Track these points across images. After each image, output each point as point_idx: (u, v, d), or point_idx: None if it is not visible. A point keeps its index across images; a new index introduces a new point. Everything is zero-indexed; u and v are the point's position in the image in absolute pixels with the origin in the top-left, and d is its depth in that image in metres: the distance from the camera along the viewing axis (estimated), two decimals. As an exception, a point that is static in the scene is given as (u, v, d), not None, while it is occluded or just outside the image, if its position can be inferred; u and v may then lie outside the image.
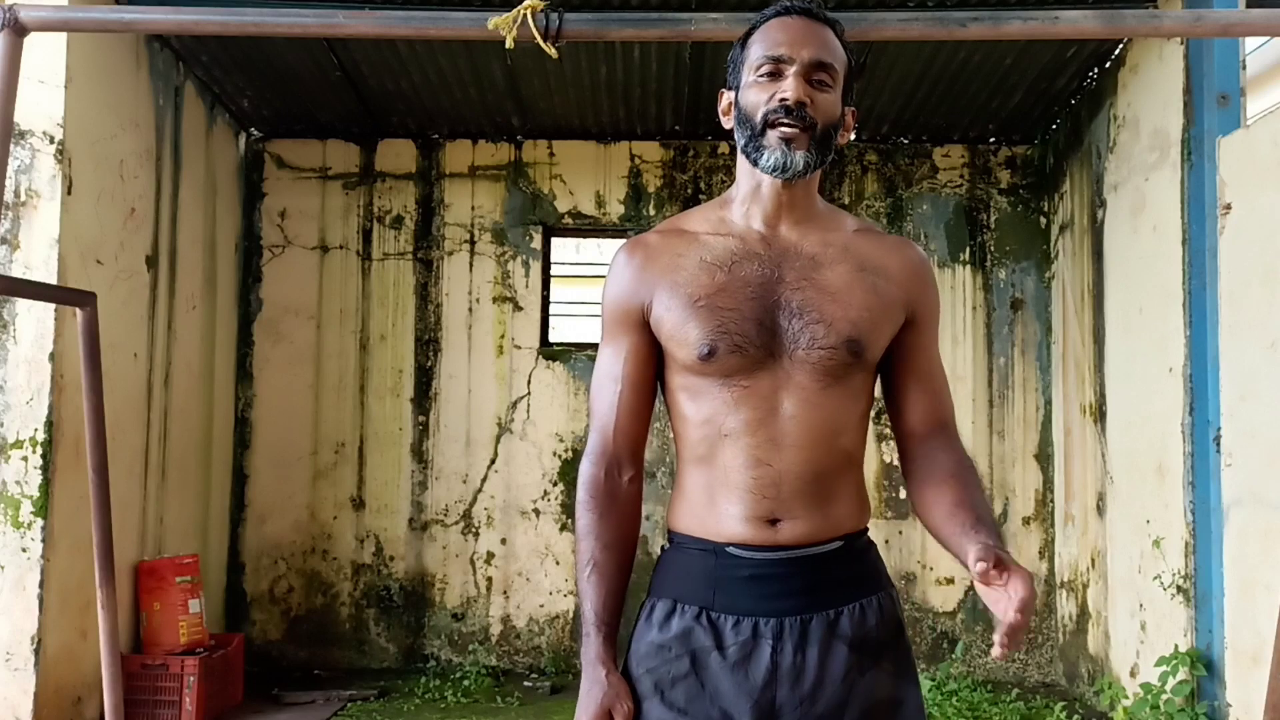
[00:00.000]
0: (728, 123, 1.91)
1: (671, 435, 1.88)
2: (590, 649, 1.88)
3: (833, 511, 1.77)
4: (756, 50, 1.81)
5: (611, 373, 1.86)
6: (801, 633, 1.72)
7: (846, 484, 1.80)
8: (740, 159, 1.87)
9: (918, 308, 1.84)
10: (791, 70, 1.76)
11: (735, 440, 1.74)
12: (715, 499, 1.76)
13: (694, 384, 1.78)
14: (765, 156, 1.79)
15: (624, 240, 1.99)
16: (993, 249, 7.00)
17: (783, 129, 1.76)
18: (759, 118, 1.79)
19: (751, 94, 1.80)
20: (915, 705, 1.77)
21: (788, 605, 1.73)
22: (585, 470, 1.87)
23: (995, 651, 1.48)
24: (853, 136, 1.98)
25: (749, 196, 1.86)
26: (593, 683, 1.87)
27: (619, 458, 1.86)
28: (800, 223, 1.84)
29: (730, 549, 1.75)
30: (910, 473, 1.86)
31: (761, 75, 1.79)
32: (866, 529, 1.85)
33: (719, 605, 1.75)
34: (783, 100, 1.75)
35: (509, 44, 2.41)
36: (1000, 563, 1.51)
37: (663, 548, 1.90)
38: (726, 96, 1.91)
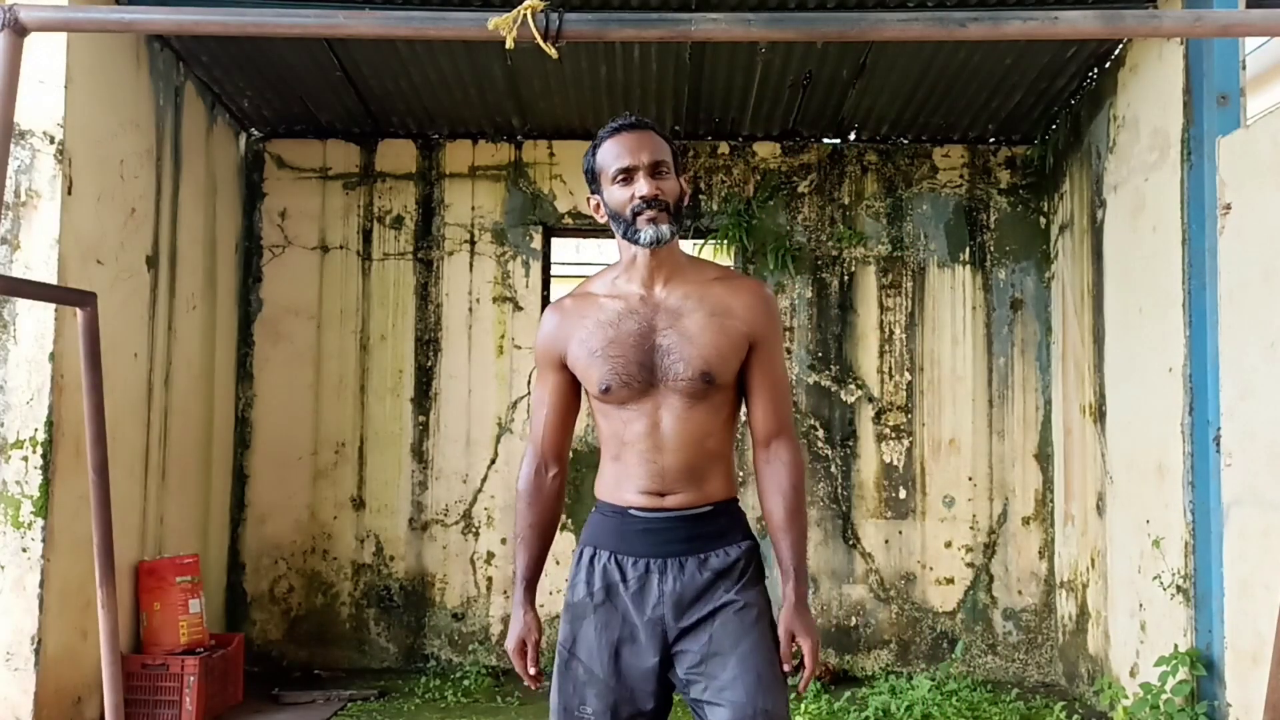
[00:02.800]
0: (601, 219, 2.55)
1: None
2: (516, 595, 2.64)
3: (705, 487, 2.45)
4: (608, 163, 2.47)
5: (541, 399, 2.61)
6: (679, 568, 2.41)
7: (715, 469, 2.47)
8: (619, 240, 2.51)
9: (758, 334, 2.47)
10: (639, 174, 2.43)
11: (632, 446, 2.45)
12: (621, 481, 2.47)
13: (602, 408, 2.49)
14: (642, 236, 2.42)
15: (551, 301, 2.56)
16: (992, 249, 7.00)
17: (647, 214, 2.41)
18: (628, 212, 2.44)
19: (615, 196, 2.46)
20: (767, 615, 2.44)
21: (672, 550, 2.42)
22: (522, 469, 2.63)
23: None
24: (688, 196, 2.59)
25: (629, 265, 2.51)
26: (515, 621, 2.62)
27: (545, 460, 2.61)
28: (668, 280, 2.48)
29: (631, 511, 2.45)
30: (757, 478, 2.56)
31: (618, 182, 2.45)
32: (734, 498, 2.52)
33: (623, 550, 2.45)
34: (641, 197, 2.41)
35: (509, 44, 2.41)
36: (791, 638, 2.40)
37: (591, 511, 2.58)
38: (594, 199, 2.56)
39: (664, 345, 2.42)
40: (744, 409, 2.58)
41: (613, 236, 2.57)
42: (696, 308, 2.45)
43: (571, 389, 2.57)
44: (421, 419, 6.94)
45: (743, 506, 2.59)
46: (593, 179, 2.53)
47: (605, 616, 2.44)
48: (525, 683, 2.60)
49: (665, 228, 2.42)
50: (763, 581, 2.49)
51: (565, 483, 2.62)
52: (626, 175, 2.44)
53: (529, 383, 6.93)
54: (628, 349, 2.43)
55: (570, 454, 2.66)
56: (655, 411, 2.43)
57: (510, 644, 2.62)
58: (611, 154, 2.47)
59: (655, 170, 2.44)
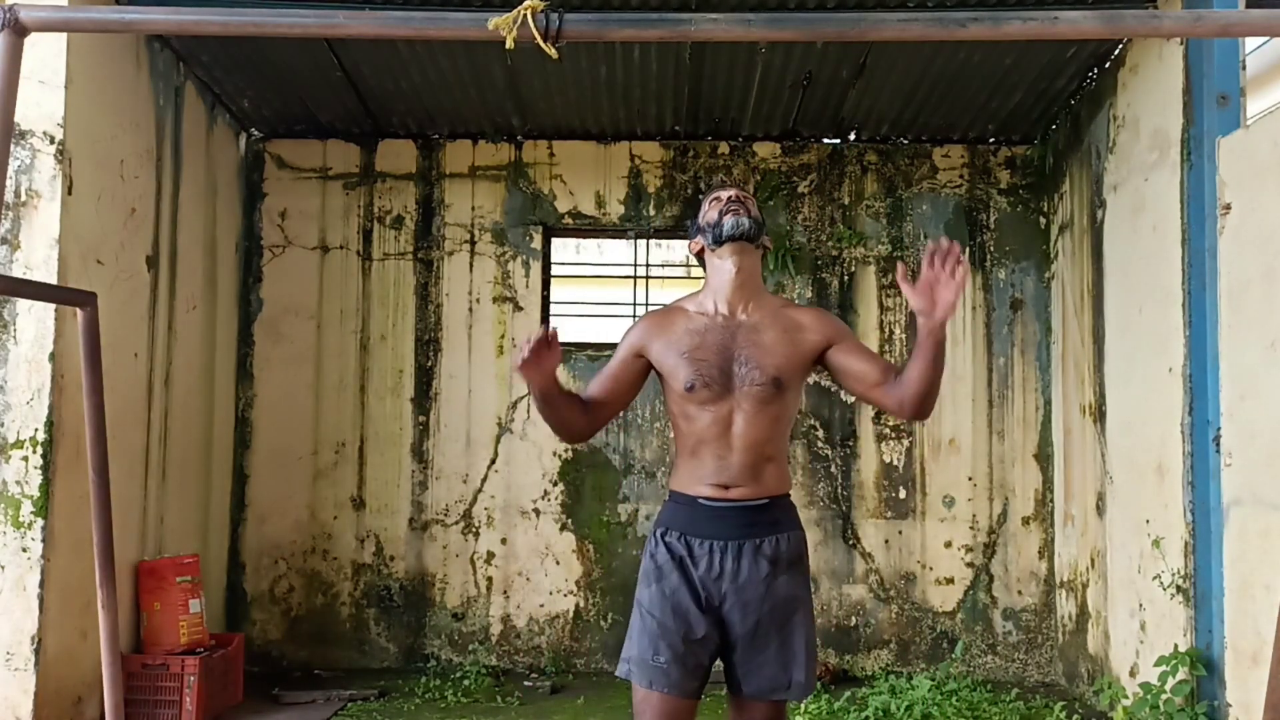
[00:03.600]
0: (694, 249, 3.06)
1: (672, 437, 2.91)
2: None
3: (763, 483, 2.89)
4: (706, 201, 3.06)
5: (607, 369, 3.15)
6: (738, 550, 2.86)
7: (772, 468, 2.92)
8: (708, 261, 3.00)
9: (832, 337, 2.95)
10: (725, 194, 3.01)
11: (707, 444, 2.89)
12: (694, 476, 2.92)
13: (683, 409, 2.93)
14: (725, 228, 2.91)
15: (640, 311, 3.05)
16: (992, 249, 7.00)
17: (730, 211, 2.94)
18: (715, 216, 2.96)
19: (708, 215, 2.99)
20: (807, 604, 2.92)
21: (733, 533, 2.87)
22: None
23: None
24: (767, 246, 3.11)
25: (715, 289, 2.97)
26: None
27: (589, 400, 3.14)
28: (747, 304, 2.95)
29: (700, 500, 2.90)
30: (893, 391, 2.96)
31: (709, 205, 3.02)
32: (786, 494, 2.97)
33: (693, 531, 2.90)
34: (727, 199, 2.98)
35: (509, 44, 2.41)
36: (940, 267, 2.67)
37: (665, 500, 3.02)
38: (694, 243, 3.07)
39: (742, 356, 2.88)
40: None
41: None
42: (771, 326, 2.92)
43: (633, 376, 3.07)
44: (421, 419, 6.94)
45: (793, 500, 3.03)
46: (693, 230, 3.08)
47: (675, 582, 2.86)
48: (532, 343, 2.81)
49: (745, 219, 2.91)
50: (806, 568, 2.97)
51: (592, 418, 3.10)
52: (717, 200, 3.01)
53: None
54: (711, 355, 2.88)
55: (600, 415, 3.10)
56: (729, 415, 2.87)
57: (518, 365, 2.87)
58: (710, 196, 3.07)
59: (741, 196, 3.03)
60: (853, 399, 6.88)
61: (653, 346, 3.00)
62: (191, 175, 6.15)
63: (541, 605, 6.83)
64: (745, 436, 2.86)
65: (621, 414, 6.85)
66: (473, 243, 7.03)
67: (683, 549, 2.88)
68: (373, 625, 6.82)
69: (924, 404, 2.96)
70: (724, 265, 2.93)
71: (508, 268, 7.02)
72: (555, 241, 7.24)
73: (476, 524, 6.87)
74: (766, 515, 2.89)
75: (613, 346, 6.69)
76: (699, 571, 2.85)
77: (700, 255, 3.03)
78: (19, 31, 2.48)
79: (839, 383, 3.02)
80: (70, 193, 4.79)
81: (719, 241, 2.92)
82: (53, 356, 4.69)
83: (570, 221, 7.06)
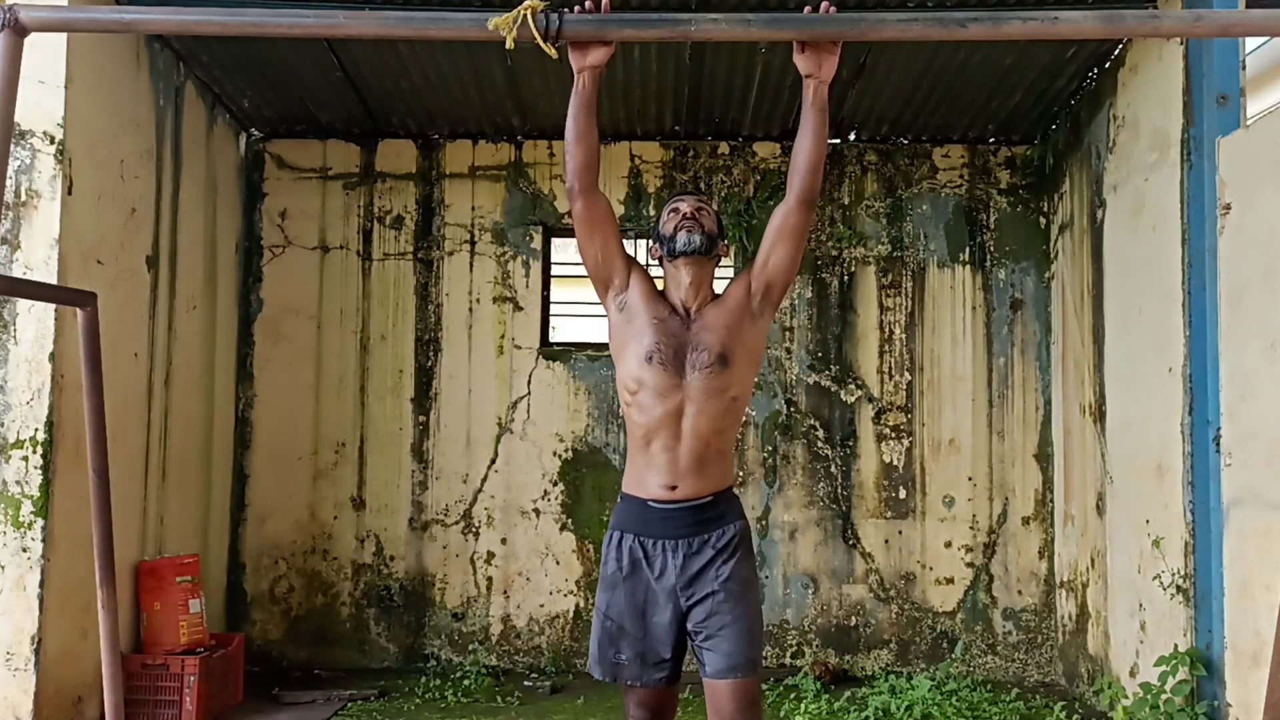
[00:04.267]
0: (654, 258, 3.26)
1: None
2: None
3: (708, 480, 3.06)
4: (665, 210, 3.25)
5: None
6: (689, 546, 3.04)
7: (718, 464, 3.08)
8: (665, 268, 3.21)
9: (748, 278, 3.13)
10: (684, 205, 3.20)
11: (657, 435, 3.04)
12: (643, 477, 3.08)
13: (637, 396, 3.06)
14: (678, 243, 3.13)
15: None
16: (992, 249, 7.00)
17: (684, 227, 3.14)
18: (670, 230, 3.17)
19: (665, 226, 3.20)
20: (754, 584, 3.12)
21: (681, 532, 3.05)
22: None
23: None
24: (724, 252, 3.29)
25: (671, 290, 3.17)
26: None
27: (593, 176, 3.06)
28: (700, 305, 3.14)
29: (650, 503, 3.07)
30: (788, 193, 3.07)
31: (667, 217, 3.21)
32: (730, 487, 3.15)
33: (646, 533, 3.07)
34: (683, 215, 3.16)
35: (509, 44, 2.41)
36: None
37: (618, 500, 3.18)
38: (654, 247, 3.26)
39: (693, 343, 3.07)
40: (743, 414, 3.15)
41: None
42: (713, 315, 3.12)
43: (615, 251, 3.15)
44: (421, 419, 6.94)
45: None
46: (655, 236, 3.26)
47: (632, 585, 3.07)
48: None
49: (696, 236, 3.12)
50: (751, 554, 3.15)
51: (595, 162, 3.04)
52: (674, 209, 3.20)
53: (529, 382, 6.94)
54: (669, 337, 3.07)
55: (593, 185, 3.05)
56: (680, 406, 3.03)
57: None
58: (668, 205, 3.26)
59: (697, 210, 3.19)
60: (853, 398, 6.89)
61: (637, 284, 3.15)
62: (191, 175, 6.15)
63: (541, 605, 6.83)
64: (695, 429, 3.02)
65: (619, 419, 6.86)
66: (473, 243, 7.03)
67: (638, 551, 3.08)
68: (373, 625, 6.82)
69: (815, 175, 3.02)
70: (678, 275, 3.15)
71: (508, 268, 7.02)
72: (555, 241, 7.24)
73: (476, 524, 6.87)
74: (712, 511, 3.08)
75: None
76: (654, 572, 3.06)
77: (660, 261, 3.25)
78: (19, 31, 2.48)
79: (773, 276, 3.12)
80: (70, 193, 4.79)
81: (673, 256, 3.14)
82: (53, 356, 4.69)
83: (570, 221, 7.04)
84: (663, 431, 3.04)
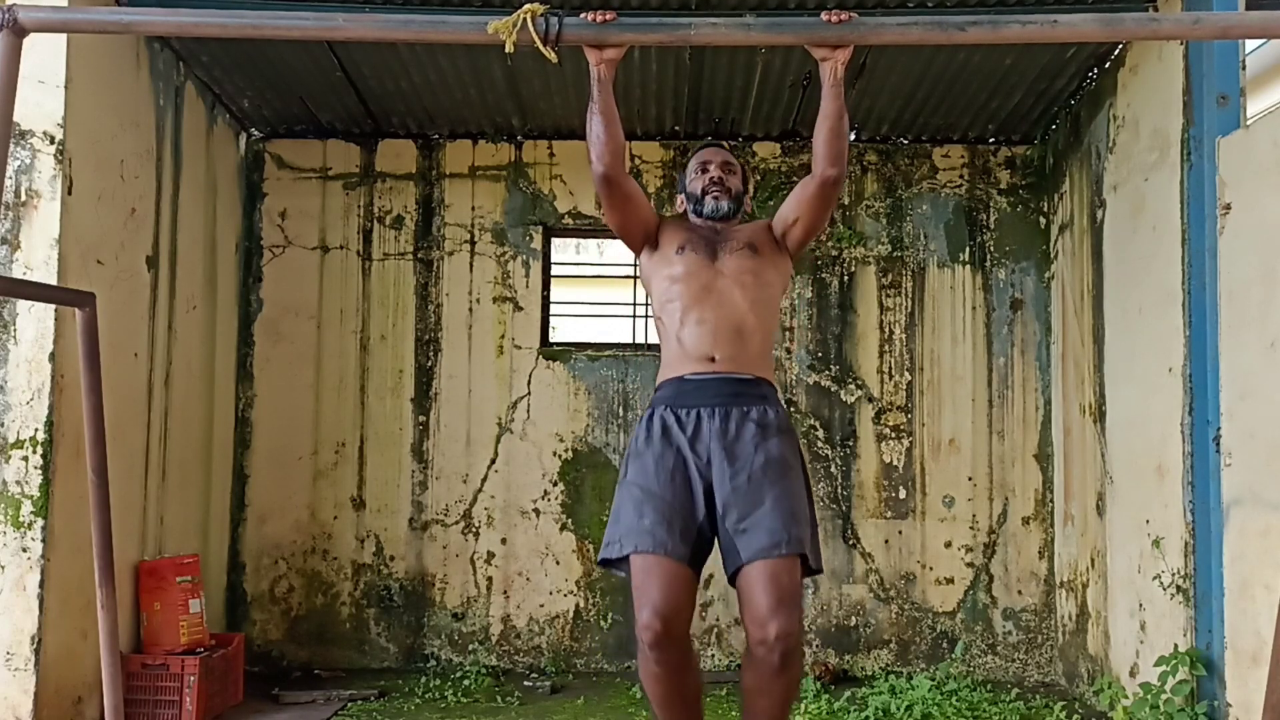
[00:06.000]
0: (681, 208, 3.40)
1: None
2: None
3: (748, 358, 2.99)
4: (692, 165, 3.34)
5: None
6: (725, 415, 2.91)
7: (756, 345, 3.03)
8: (693, 218, 3.33)
9: (769, 221, 3.26)
10: (713, 166, 3.28)
11: (690, 312, 3.01)
12: (680, 357, 3.01)
13: (670, 287, 3.08)
14: (705, 207, 3.25)
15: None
16: (992, 249, 7.00)
17: (712, 192, 3.25)
18: (699, 191, 3.28)
19: (693, 184, 3.30)
20: (801, 473, 2.96)
21: (719, 401, 2.93)
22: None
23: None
24: (749, 205, 3.41)
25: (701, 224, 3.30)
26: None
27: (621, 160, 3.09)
28: (726, 228, 3.25)
29: (686, 377, 2.99)
30: (813, 168, 3.09)
31: (695, 174, 3.29)
32: (773, 381, 3.10)
33: (680, 404, 2.97)
34: (710, 179, 3.25)
35: (509, 48, 2.41)
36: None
37: (655, 388, 3.13)
38: (679, 198, 3.42)
39: (723, 240, 3.16)
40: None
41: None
42: (743, 229, 3.24)
43: (644, 207, 3.24)
44: (421, 419, 6.94)
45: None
46: (681, 185, 3.37)
47: (661, 449, 2.91)
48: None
49: (724, 203, 3.23)
50: (797, 443, 3.01)
51: (621, 159, 3.07)
52: (704, 167, 3.25)
53: (529, 382, 6.94)
54: (700, 237, 3.16)
55: (621, 174, 3.11)
56: (713, 282, 3.04)
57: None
58: (696, 158, 3.33)
59: (724, 168, 3.26)
60: (853, 398, 6.88)
61: (663, 222, 3.29)
62: (191, 175, 6.14)
63: (541, 605, 6.83)
64: (730, 301, 3.01)
65: (621, 412, 6.87)
66: (473, 243, 7.03)
67: (670, 418, 2.94)
68: (373, 625, 6.82)
69: (833, 150, 2.99)
70: (706, 222, 3.27)
71: (508, 268, 7.02)
72: (555, 241, 7.24)
73: (476, 524, 6.87)
74: (753, 389, 2.97)
75: (613, 346, 6.75)
76: (685, 434, 2.90)
77: (687, 213, 3.35)
78: (18, 32, 2.48)
79: (793, 232, 3.18)
80: (70, 193, 4.79)
81: (700, 216, 3.26)
82: (53, 356, 4.69)
83: (570, 221, 7.06)
84: (697, 306, 3.00)
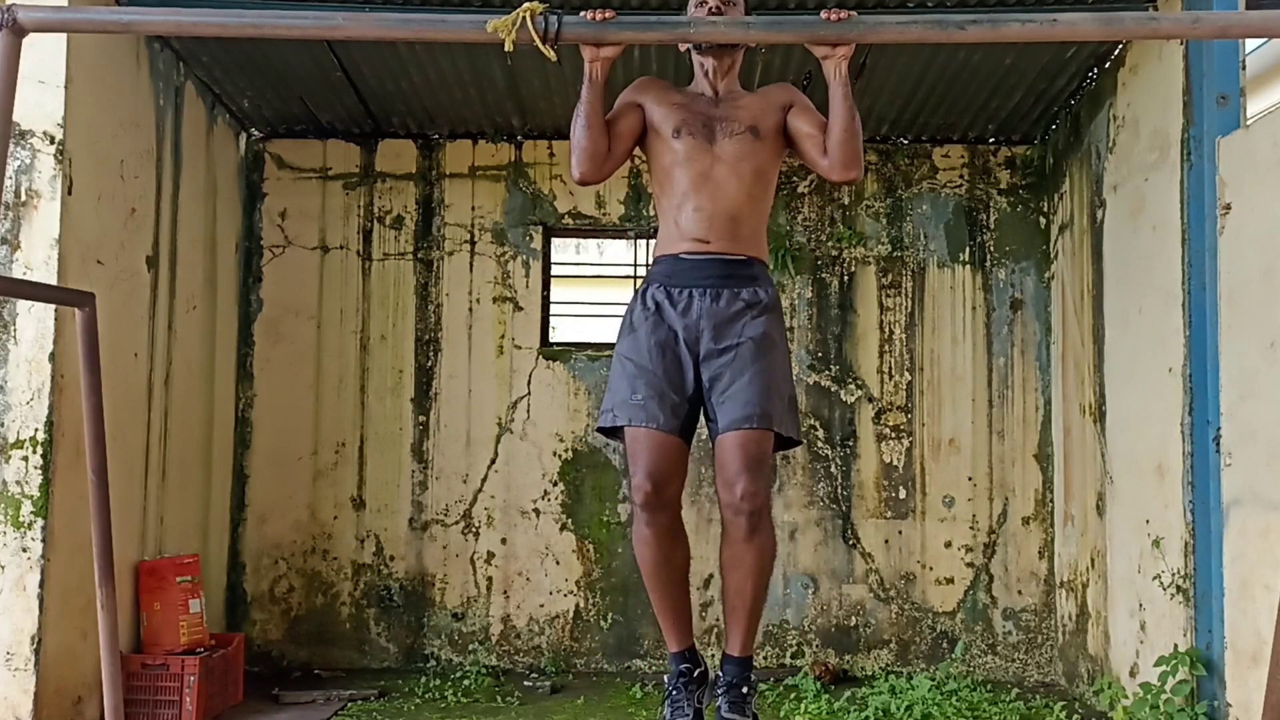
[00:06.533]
0: (682, 49, 3.27)
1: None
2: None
3: (742, 241, 3.05)
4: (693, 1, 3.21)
5: (612, 117, 3.18)
6: (716, 294, 3.00)
7: (751, 229, 3.07)
8: (693, 58, 3.21)
9: (794, 98, 3.21)
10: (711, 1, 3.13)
11: (689, 197, 3.04)
12: (676, 234, 3.06)
13: (668, 169, 3.08)
14: (703, 44, 3.08)
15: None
16: (992, 249, 6.99)
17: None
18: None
19: (693, 15, 3.07)
20: (783, 350, 3.06)
21: (711, 281, 3.02)
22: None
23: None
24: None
25: (700, 80, 3.21)
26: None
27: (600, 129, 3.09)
28: (728, 91, 3.18)
29: (681, 255, 3.06)
30: (826, 156, 3.09)
31: (696, 4, 3.12)
32: (765, 262, 3.15)
33: (674, 282, 3.05)
34: (710, 9, 3.06)
35: (508, 47, 2.41)
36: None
37: (648, 264, 3.26)
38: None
39: (721, 116, 3.09)
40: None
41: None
42: (746, 98, 3.17)
43: (632, 124, 3.17)
44: (421, 419, 6.94)
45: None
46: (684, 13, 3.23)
47: (654, 324, 3.02)
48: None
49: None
50: (783, 322, 3.11)
51: (608, 154, 3.12)
52: (704, 4, 3.11)
53: (529, 382, 6.94)
54: (696, 114, 3.09)
55: (611, 159, 3.13)
56: (710, 167, 3.03)
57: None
58: None
59: (725, 1, 3.13)
60: (853, 398, 6.88)
61: (647, 98, 3.18)
62: (191, 175, 6.15)
63: (541, 605, 6.83)
64: (726, 188, 3.03)
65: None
66: (473, 243, 7.03)
67: (663, 295, 3.04)
68: (373, 625, 6.82)
69: (847, 153, 3.05)
70: (705, 63, 3.17)
71: (508, 268, 7.02)
72: (555, 241, 7.23)
73: (476, 524, 6.87)
74: (745, 270, 3.05)
75: (613, 346, 6.66)
76: (677, 311, 3.01)
77: (687, 52, 3.25)
78: (18, 32, 2.48)
79: (795, 148, 3.19)
80: (70, 193, 4.79)
81: (699, 50, 3.15)
82: (53, 356, 4.69)
83: (570, 221, 7.06)
84: (694, 193, 3.03)
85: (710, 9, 3.09)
